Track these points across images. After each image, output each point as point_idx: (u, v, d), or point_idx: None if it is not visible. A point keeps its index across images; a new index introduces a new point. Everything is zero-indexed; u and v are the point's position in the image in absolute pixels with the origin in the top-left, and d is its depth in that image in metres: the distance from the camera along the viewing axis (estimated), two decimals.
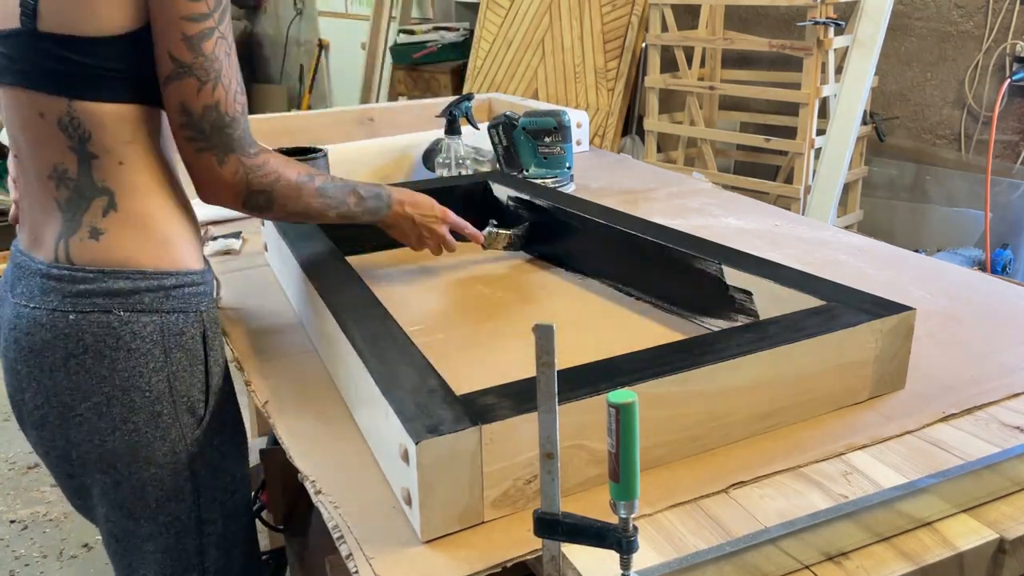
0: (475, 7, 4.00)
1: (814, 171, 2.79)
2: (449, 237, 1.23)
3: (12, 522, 2.41)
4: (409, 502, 0.71)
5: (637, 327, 1.12)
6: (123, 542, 1.00)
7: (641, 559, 0.63)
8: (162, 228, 0.96)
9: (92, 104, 0.90)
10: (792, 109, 2.85)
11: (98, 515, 1.01)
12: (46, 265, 0.93)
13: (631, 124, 3.49)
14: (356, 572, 0.67)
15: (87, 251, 0.92)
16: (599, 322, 1.14)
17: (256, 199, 0.96)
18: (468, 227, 1.27)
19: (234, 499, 1.05)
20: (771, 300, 0.97)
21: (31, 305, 0.93)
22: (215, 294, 1.06)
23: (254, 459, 1.32)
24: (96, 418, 0.93)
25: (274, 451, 1.36)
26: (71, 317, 0.91)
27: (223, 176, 0.93)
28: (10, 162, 1.05)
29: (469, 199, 1.48)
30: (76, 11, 0.86)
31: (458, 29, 4.31)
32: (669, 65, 3.18)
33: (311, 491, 0.79)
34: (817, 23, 2.63)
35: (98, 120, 0.90)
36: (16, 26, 0.88)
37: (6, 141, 1.00)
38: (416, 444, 0.67)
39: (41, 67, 0.89)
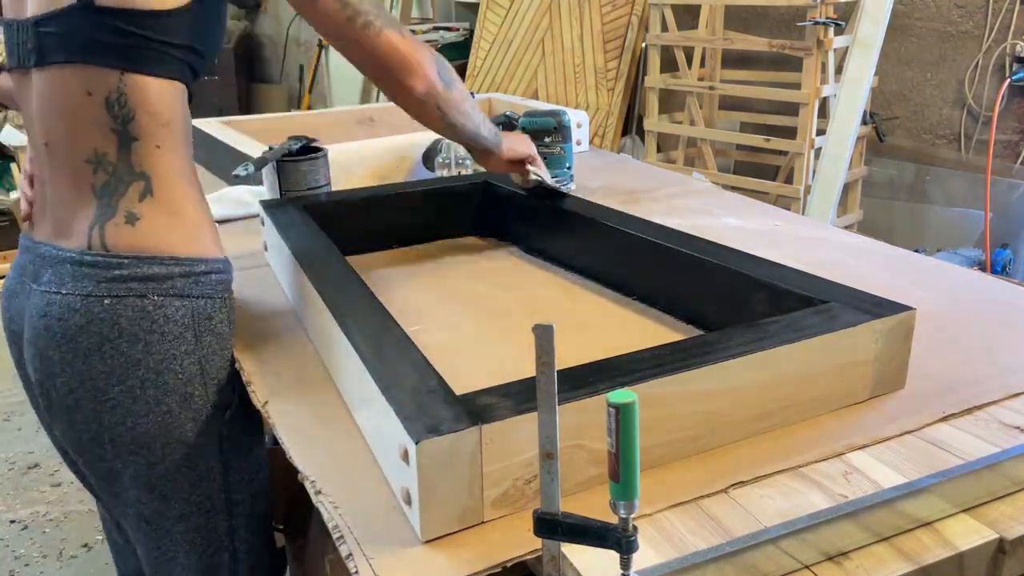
0: (475, 7, 3.99)
1: (814, 171, 2.79)
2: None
3: (12, 522, 2.41)
4: (409, 502, 0.71)
5: (637, 327, 1.12)
6: (154, 524, 1.03)
7: (641, 559, 0.63)
8: (192, 215, 1.00)
9: (142, 78, 0.93)
10: (792, 109, 2.85)
11: (128, 499, 1.02)
12: (78, 252, 0.95)
13: (631, 124, 3.49)
14: (356, 572, 0.67)
15: (122, 237, 0.94)
16: (599, 322, 1.14)
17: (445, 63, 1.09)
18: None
19: (259, 478, 1.10)
20: (771, 300, 0.97)
21: (63, 291, 0.94)
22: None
23: None
24: (130, 401, 0.95)
25: (274, 451, 1.36)
26: (106, 302, 0.93)
27: (418, 41, 1.03)
28: (27, 158, 1.06)
29: (469, 199, 1.49)
30: None
31: (458, 29, 4.31)
32: (669, 65, 3.18)
33: (311, 491, 0.78)
34: (817, 23, 2.63)
35: (143, 97, 0.93)
36: (72, 2, 0.90)
37: (2, 141, 1.02)
38: (416, 444, 0.67)
39: (98, 41, 0.91)
